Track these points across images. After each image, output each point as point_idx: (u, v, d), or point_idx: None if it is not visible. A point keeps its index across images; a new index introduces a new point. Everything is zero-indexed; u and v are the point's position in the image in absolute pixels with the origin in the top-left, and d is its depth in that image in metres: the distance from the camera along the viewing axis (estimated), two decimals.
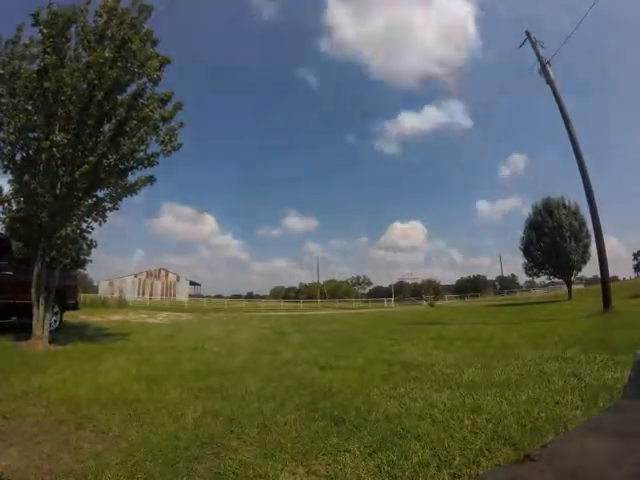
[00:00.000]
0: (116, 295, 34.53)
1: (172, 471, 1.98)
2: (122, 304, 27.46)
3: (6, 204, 6.10)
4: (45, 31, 5.66)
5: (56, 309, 7.43)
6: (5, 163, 5.92)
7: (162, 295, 51.73)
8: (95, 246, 7.11)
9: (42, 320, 5.99)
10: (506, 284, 66.72)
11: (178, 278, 57.14)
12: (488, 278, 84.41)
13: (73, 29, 5.96)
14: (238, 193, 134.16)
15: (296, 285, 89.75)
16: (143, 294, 49.96)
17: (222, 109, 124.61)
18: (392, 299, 47.98)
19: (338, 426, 2.54)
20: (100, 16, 6.08)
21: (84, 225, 6.49)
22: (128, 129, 6.16)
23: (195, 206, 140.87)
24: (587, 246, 25.35)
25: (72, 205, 6.11)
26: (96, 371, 4.31)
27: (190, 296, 53.23)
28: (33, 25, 5.73)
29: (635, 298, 16.09)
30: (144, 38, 6.36)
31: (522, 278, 65.88)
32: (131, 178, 6.77)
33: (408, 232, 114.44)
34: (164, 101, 6.53)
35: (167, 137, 6.58)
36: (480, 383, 3.48)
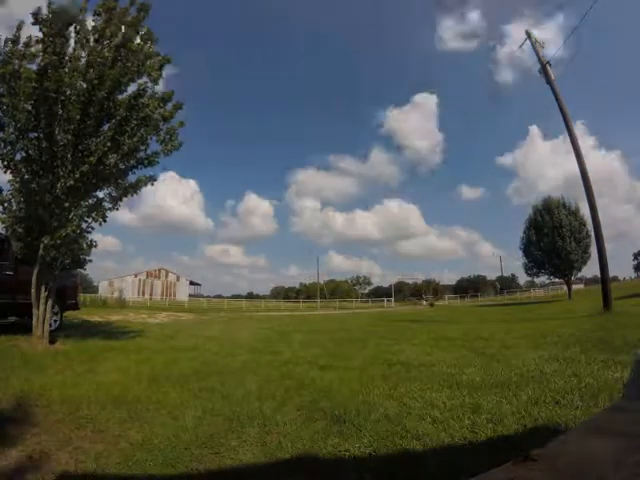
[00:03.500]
0: (116, 295, 34.51)
1: (172, 471, 1.98)
2: (122, 304, 27.45)
3: (6, 204, 6.09)
4: (45, 30, 5.66)
5: (56, 309, 7.41)
6: (5, 163, 5.91)
7: (162, 295, 51.72)
8: (95, 246, 7.09)
9: (42, 320, 5.98)
10: (506, 284, 66.69)
11: (178, 278, 57.13)
12: (488, 278, 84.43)
13: (72, 28, 5.95)
14: None
15: (296, 285, 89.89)
16: (143, 294, 49.94)
17: None
18: (392, 299, 47.95)
19: (338, 426, 2.54)
20: (99, 15, 6.08)
21: (84, 225, 6.48)
22: (129, 129, 6.15)
23: None
24: (587, 246, 25.36)
25: (72, 205, 6.10)
26: (96, 371, 4.31)
27: (190, 296, 53.22)
28: (33, 24, 5.71)
29: (635, 298, 16.08)
30: (144, 37, 6.37)
31: (522, 278, 65.97)
32: (132, 178, 6.79)
33: None
34: (165, 100, 6.53)
35: (167, 137, 6.59)
36: (480, 383, 3.48)
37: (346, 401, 3.08)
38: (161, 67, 6.53)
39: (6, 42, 5.78)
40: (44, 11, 5.71)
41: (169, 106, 6.61)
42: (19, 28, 5.93)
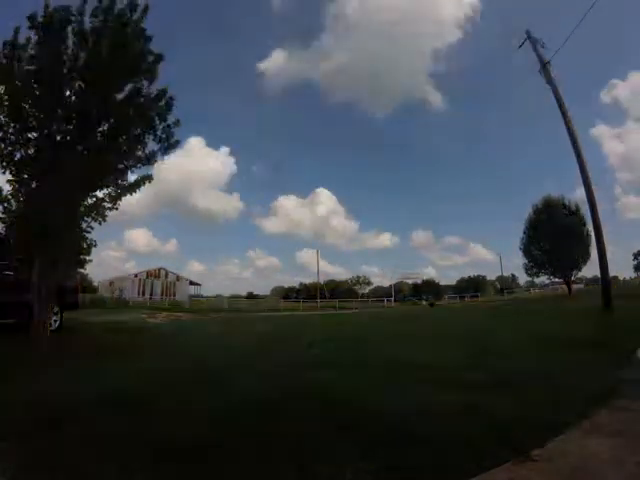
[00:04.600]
0: (116, 295, 34.53)
1: (173, 471, 1.97)
2: (122, 304, 27.47)
3: (6, 204, 6.09)
4: (41, 33, 5.70)
5: (56, 309, 7.41)
6: (5, 163, 5.91)
7: (162, 295, 51.67)
8: (95, 246, 7.10)
9: (42, 320, 5.98)
10: (506, 284, 66.67)
11: (178, 278, 57.09)
12: (488, 278, 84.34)
13: (69, 29, 5.98)
14: None
15: (296, 285, 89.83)
16: (143, 294, 49.89)
17: None
18: (392, 299, 47.92)
19: (339, 426, 2.54)
20: (96, 16, 6.11)
21: (84, 225, 6.49)
22: (126, 128, 6.19)
23: None
24: (587, 246, 25.35)
25: (72, 205, 6.11)
26: (96, 371, 4.31)
27: (190, 296, 53.19)
28: (29, 28, 5.75)
29: (635, 298, 16.08)
30: (137, 35, 6.39)
31: (522, 278, 65.83)
32: (131, 177, 6.81)
33: None
34: (159, 97, 6.55)
35: (164, 135, 6.62)
36: (480, 383, 3.48)
37: (346, 401, 3.08)
38: (155, 65, 6.54)
39: (5, 45, 5.79)
40: (40, 14, 5.73)
41: (162, 103, 6.63)
42: (16, 32, 5.95)
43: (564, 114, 12.13)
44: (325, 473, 1.87)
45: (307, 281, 78.18)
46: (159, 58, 6.60)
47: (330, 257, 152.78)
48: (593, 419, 2.09)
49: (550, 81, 12.41)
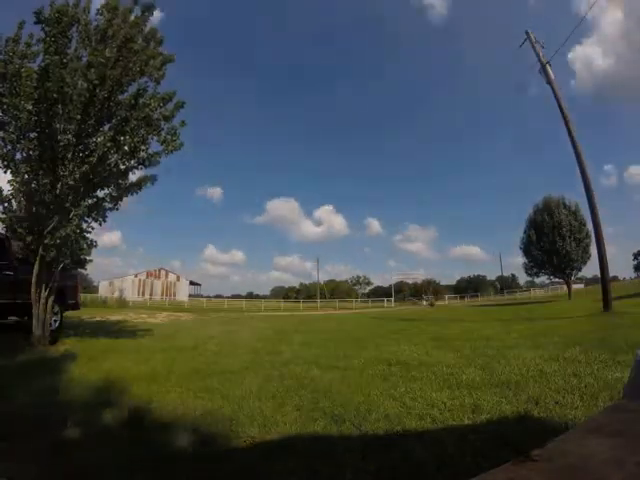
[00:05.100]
0: (116, 295, 34.55)
1: (173, 472, 1.98)
2: (122, 304, 27.47)
3: (6, 204, 6.09)
4: (47, 29, 5.65)
5: (56, 309, 7.40)
6: (5, 163, 5.90)
7: (162, 295, 51.68)
8: (95, 246, 7.10)
9: (42, 320, 5.98)
10: (506, 284, 66.65)
11: (178, 278, 57.09)
12: (488, 278, 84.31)
13: (75, 28, 5.97)
14: None
15: (296, 285, 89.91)
16: (143, 294, 49.91)
17: None
18: (392, 299, 47.91)
19: (338, 426, 2.54)
20: (101, 14, 6.09)
21: (84, 225, 6.48)
22: (129, 129, 6.15)
23: None
24: (587, 246, 25.35)
25: (72, 205, 6.10)
26: (96, 371, 4.31)
27: (190, 296, 53.21)
28: (35, 23, 5.70)
29: (635, 298, 16.07)
30: (148, 37, 6.38)
31: (522, 278, 65.76)
32: (132, 178, 6.79)
33: None
34: (165, 100, 6.51)
35: (169, 137, 6.57)
36: (480, 383, 3.48)
37: (346, 401, 3.08)
38: (162, 66, 6.52)
39: (7, 41, 5.77)
40: (47, 10, 5.71)
41: (170, 105, 6.59)
42: (20, 27, 5.92)
43: (564, 114, 12.14)
44: (326, 472, 1.87)
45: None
46: (168, 60, 6.58)
47: None
48: (593, 419, 2.10)
49: (550, 81, 12.42)
